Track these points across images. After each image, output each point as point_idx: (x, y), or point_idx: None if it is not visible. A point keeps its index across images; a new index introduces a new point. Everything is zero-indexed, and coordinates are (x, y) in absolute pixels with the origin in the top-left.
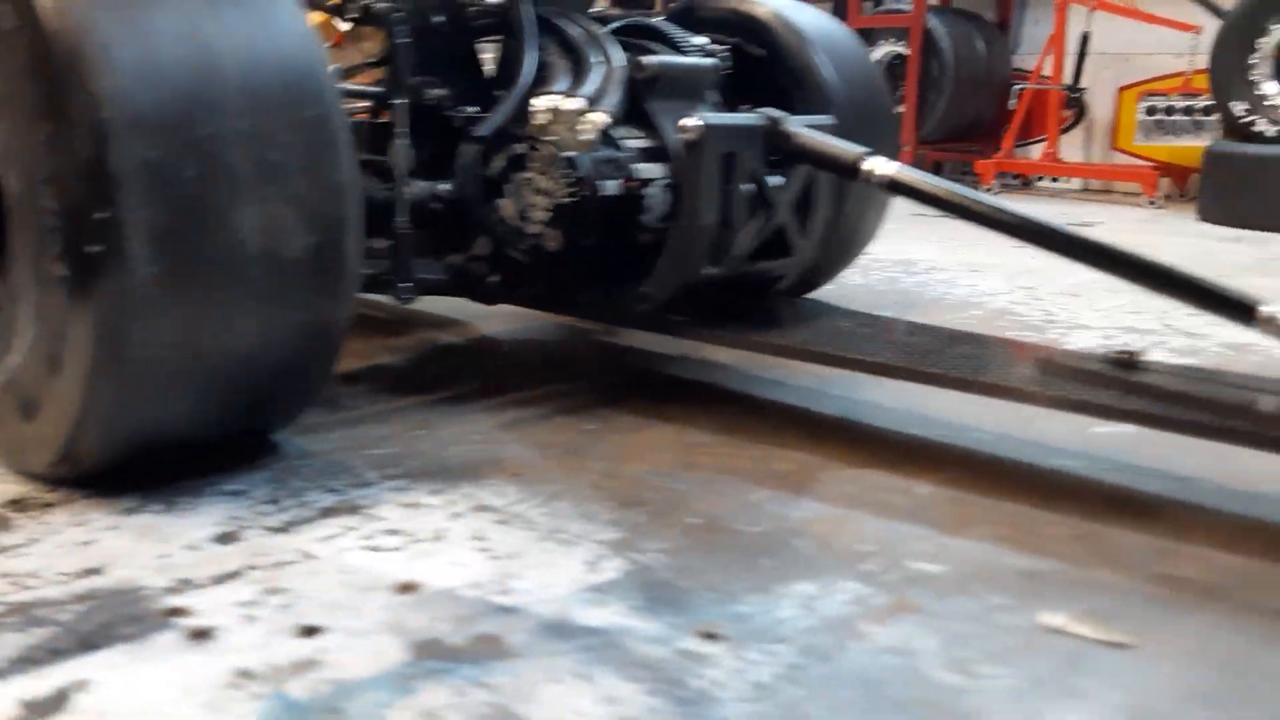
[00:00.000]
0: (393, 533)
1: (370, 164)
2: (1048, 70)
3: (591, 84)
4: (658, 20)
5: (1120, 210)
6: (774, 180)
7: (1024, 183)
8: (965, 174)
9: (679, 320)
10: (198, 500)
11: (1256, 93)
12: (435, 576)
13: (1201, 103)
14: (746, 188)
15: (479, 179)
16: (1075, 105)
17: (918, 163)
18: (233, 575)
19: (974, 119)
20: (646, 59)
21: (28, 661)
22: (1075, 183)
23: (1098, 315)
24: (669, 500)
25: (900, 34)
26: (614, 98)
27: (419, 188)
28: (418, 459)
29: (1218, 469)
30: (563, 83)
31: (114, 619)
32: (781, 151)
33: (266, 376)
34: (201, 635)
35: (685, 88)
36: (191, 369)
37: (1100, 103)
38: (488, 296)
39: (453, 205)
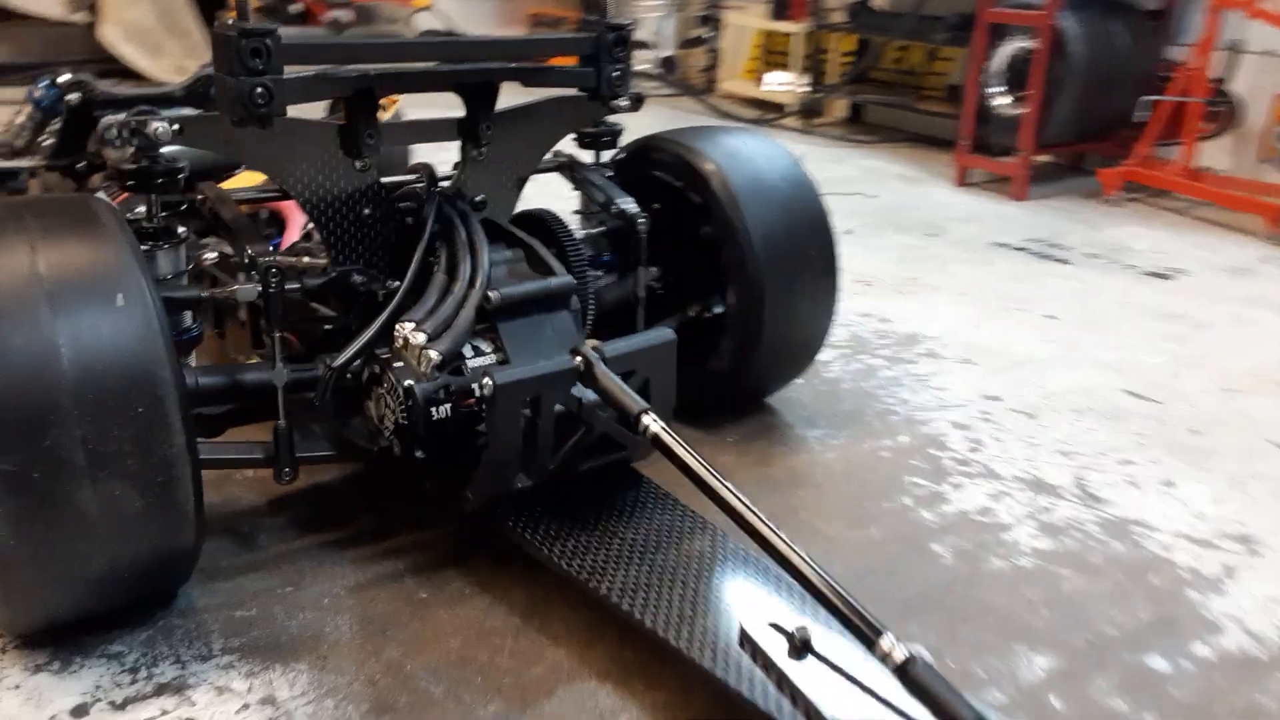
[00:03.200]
0: None
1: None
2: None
3: (446, 311)
4: (550, 212)
5: (1229, 245)
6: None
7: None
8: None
9: (497, 517)
10: (85, 660)
11: None
12: None
13: None
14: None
15: (339, 388)
16: (1221, 110)
17: (1052, 164)
18: None
19: (1112, 119)
20: (493, 292)
21: None
22: None
23: (1023, 455)
24: (416, 706)
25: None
26: (464, 322)
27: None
28: (263, 627)
29: None
30: (427, 304)
31: None
32: (590, 388)
33: (124, 584)
34: None
35: (537, 305)
36: (67, 583)
37: (1254, 109)
38: (366, 463)
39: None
